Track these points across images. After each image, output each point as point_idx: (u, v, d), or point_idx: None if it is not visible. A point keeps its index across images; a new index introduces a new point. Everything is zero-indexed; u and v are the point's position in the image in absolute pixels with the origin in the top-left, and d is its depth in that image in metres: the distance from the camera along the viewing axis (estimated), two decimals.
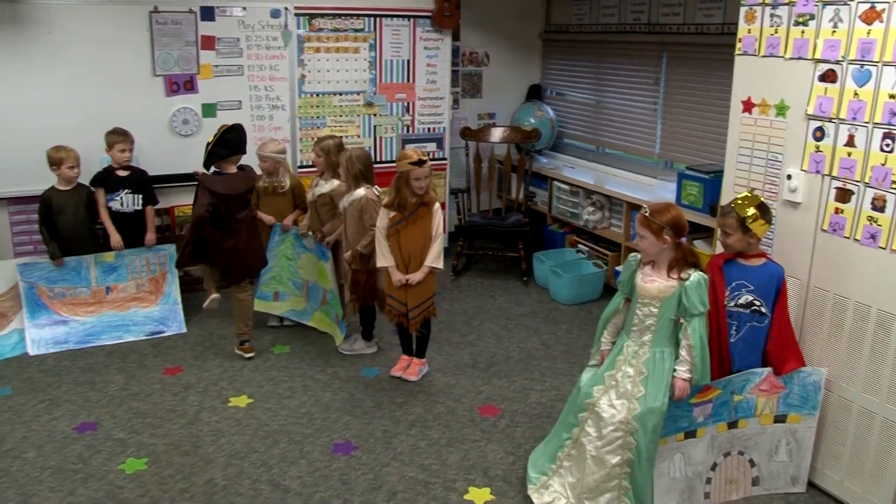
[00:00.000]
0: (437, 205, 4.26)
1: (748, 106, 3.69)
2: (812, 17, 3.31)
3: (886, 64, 3.04)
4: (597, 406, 3.20)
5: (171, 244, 5.25)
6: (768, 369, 3.34)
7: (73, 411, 4.12)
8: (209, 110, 5.62)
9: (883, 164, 3.09)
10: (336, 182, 4.77)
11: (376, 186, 4.53)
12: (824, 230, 3.37)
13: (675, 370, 3.11)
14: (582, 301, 5.76)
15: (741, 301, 3.36)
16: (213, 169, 4.54)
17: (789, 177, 3.48)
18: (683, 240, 3.09)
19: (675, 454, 3.28)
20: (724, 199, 3.77)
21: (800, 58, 3.39)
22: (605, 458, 3.17)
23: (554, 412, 4.03)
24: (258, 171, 5.00)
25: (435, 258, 4.26)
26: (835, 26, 3.23)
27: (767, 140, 3.61)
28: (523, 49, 7.20)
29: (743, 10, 3.65)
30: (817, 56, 3.31)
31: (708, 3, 5.40)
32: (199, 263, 4.74)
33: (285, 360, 4.77)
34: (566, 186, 6.32)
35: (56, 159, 4.86)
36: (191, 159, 5.13)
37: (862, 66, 3.13)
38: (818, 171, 3.37)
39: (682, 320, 3.08)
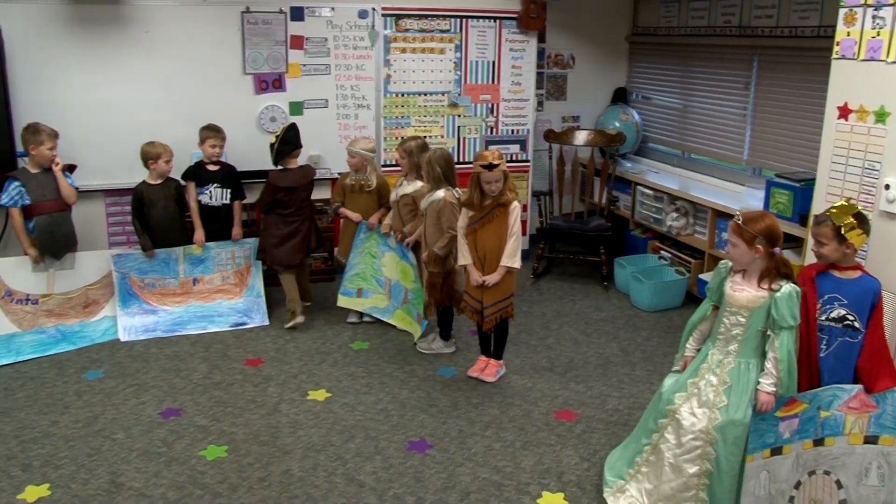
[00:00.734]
0: (516, 203, 4.21)
1: (844, 112, 3.56)
2: None
3: None
4: (678, 413, 3.14)
5: (255, 238, 5.38)
6: (858, 386, 3.19)
7: (158, 397, 4.27)
8: (296, 108, 5.73)
9: None
10: (419, 183, 4.80)
11: (458, 188, 4.54)
12: None
13: (759, 382, 3.02)
14: (663, 308, 5.64)
15: (833, 315, 3.23)
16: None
17: (887, 186, 3.35)
18: (777, 250, 2.99)
19: (762, 472, 3.16)
20: (816, 208, 3.65)
21: None
22: (683, 466, 3.11)
23: (631, 420, 3.97)
24: (347, 168, 5.21)
25: (510, 257, 4.22)
26: None
27: (864, 148, 3.47)
28: (609, 52, 7.11)
29: (842, 11, 3.53)
30: None
31: (804, 4, 5.22)
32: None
33: (364, 356, 4.82)
34: (650, 191, 6.22)
35: (153, 154, 5.01)
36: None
37: None
38: None
39: (769, 332, 2.99)
